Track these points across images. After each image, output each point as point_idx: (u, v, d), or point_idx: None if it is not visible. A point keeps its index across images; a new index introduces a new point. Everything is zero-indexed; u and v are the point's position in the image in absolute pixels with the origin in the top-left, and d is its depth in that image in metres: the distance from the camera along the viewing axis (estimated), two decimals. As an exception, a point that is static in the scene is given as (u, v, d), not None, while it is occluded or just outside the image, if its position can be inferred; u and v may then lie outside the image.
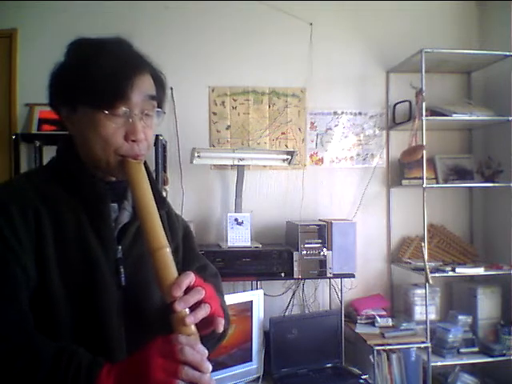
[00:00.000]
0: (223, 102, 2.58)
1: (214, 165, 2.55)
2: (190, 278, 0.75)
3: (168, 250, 0.77)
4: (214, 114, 2.58)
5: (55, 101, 0.87)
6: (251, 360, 2.20)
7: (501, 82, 2.50)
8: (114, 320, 0.81)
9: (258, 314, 2.21)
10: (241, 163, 2.38)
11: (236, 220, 2.32)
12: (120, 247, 0.85)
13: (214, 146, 2.56)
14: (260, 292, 2.24)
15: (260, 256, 2.22)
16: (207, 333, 0.80)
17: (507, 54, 2.40)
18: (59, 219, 0.80)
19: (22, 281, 0.75)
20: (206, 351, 0.72)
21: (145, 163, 0.88)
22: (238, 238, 2.30)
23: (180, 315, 0.72)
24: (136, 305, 0.84)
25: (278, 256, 2.23)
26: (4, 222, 0.75)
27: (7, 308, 0.73)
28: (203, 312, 0.75)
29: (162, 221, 0.84)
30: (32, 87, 2.40)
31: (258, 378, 2.21)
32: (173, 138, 2.51)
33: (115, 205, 0.88)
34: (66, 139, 0.89)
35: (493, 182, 2.47)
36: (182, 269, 0.89)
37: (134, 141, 0.82)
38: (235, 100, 2.59)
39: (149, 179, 0.85)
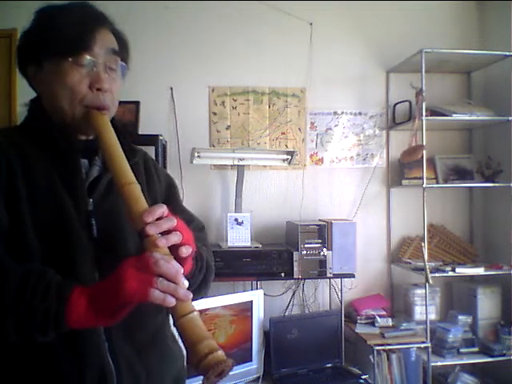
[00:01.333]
0: (223, 102, 2.58)
1: (214, 165, 2.55)
2: (163, 208, 0.75)
3: (137, 185, 0.78)
4: (214, 114, 2.58)
5: (22, 61, 0.89)
6: (251, 360, 2.20)
7: (501, 82, 2.50)
8: (87, 271, 0.81)
9: (258, 313, 2.21)
10: (241, 163, 2.38)
11: (236, 220, 2.32)
12: (91, 200, 0.86)
13: (214, 146, 2.56)
14: (260, 292, 2.24)
15: (260, 256, 2.22)
16: (184, 274, 0.80)
17: (507, 53, 2.40)
18: (30, 170, 0.81)
19: None
20: (182, 268, 0.71)
21: (114, 121, 0.90)
22: (238, 237, 2.30)
23: (152, 238, 0.72)
24: (110, 256, 0.83)
25: (277, 256, 2.23)
26: None
27: None
28: (175, 238, 0.74)
29: (137, 169, 0.87)
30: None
31: (258, 378, 2.21)
32: (173, 138, 2.51)
33: (85, 161, 0.89)
34: (35, 99, 0.91)
35: (493, 181, 2.47)
36: None
37: (98, 89, 0.84)
38: (235, 100, 2.59)
39: (117, 132, 0.86)
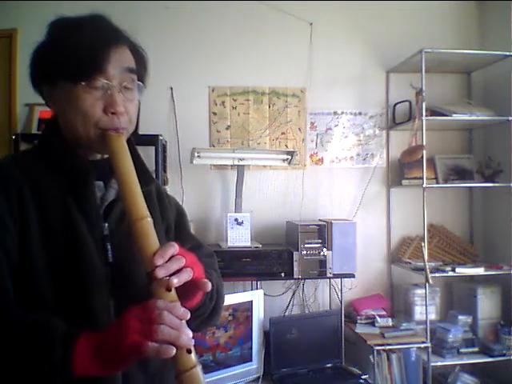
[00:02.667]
0: (223, 102, 2.58)
1: (214, 165, 2.55)
2: (174, 248, 0.74)
3: (149, 220, 0.76)
4: (214, 114, 2.58)
5: (36, 79, 0.86)
6: (251, 360, 2.20)
7: (501, 82, 2.50)
8: (102, 297, 0.80)
9: (258, 314, 2.21)
10: (241, 163, 2.38)
11: (236, 220, 2.32)
12: (106, 224, 0.85)
13: (214, 146, 2.56)
14: (260, 292, 2.24)
15: (260, 256, 2.22)
16: (194, 305, 0.80)
17: (507, 54, 2.40)
18: (43, 198, 0.80)
19: (3, 259, 0.74)
20: (187, 314, 0.70)
21: (129, 141, 0.88)
22: (238, 237, 2.30)
23: (161, 282, 0.70)
24: (125, 281, 0.82)
25: (277, 256, 2.23)
26: None
27: None
28: (186, 275, 0.73)
29: (149, 198, 0.83)
30: (32, 87, 2.41)
31: (258, 378, 2.21)
32: (173, 138, 2.51)
33: (101, 183, 0.88)
34: (50, 120, 0.89)
35: (493, 181, 2.47)
36: None
37: (113, 113, 0.81)
38: (235, 100, 2.59)
39: (134, 155, 0.84)
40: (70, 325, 0.71)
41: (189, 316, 0.70)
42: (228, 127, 2.59)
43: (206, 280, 0.77)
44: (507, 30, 2.48)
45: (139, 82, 0.88)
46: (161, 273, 0.70)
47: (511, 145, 2.39)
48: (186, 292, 0.75)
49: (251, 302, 2.20)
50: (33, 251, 0.76)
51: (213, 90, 2.58)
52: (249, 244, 2.29)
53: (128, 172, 0.79)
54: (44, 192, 0.81)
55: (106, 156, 0.87)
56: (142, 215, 0.76)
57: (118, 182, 0.80)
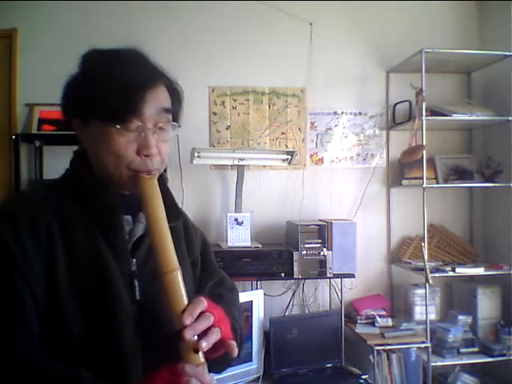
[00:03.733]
0: (223, 102, 2.58)
1: (214, 165, 2.55)
2: (203, 305, 0.74)
3: (178, 272, 0.75)
4: (214, 114, 2.58)
5: (68, 112, 0.85)
6: (251, 360, 2.20)
7: (501, 82, 2.50)
8: (129, 335, 0.78)
9: (258, 314, 2.21)
10: (241, 163, 2.38)
11: (236, 220, 2.31)
12: (134, 260, 0.83)
13: (214, 146, 2.56)
14: (260, 292, 2.24)
15: (260, 256, 2.22)
16: (218, 355, 0.79)
17: (507, 54, 2.40)
18: (70, 232, 0.78)
19: (29, 300, 0.72)
20: (215, 381, 0.70)
21: (161, 177, 0.87)
22: (238, 237, 2.30)
23: (189, 343, 0.70)
24: (152, 319, 0.81)
25: (277, 256, 2.23)
26: (12, 237, 0.72)
27: (12, 328, 0.70)
28: (214, 337, 0.73)
29: (177, 233, 0.82)
30: (32, 87, 2.41)
31: (258, 378, 2.21)
32: (173, 138, 2.50)
33: (129, 217, 0.86)
34: (79, 151, 0.88)
35: (493, 181, 2.47)
36: (199, 283, 0.87)
37: (146, 156, 0.80)
38: (235, 100, 2.59)
39: (164, 192, 0.82)
40: (97, 365, 0.70)
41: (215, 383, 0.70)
42: (228, 127, 2.59)
43: (233, 344, 0.77)
44: (507, 30, 2.48)
45: (174, 123, 0.87)
46: (189, 334, 0.70)
47: (511, 145, 2.39)
48: (212, 346, 0.74)
49: (251, 302, 2.20)
50: (61, 288, 0.74)
51: (213, 90, 2.57)
52: (249, 244, 2.29)
53: (159, 220, 0.78)
54: (72, 227, 0.79)
55: (134, 192, 0.86)
56: (172, 268, 0.74)
57: (148, 227, 0.79)
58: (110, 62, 0.80)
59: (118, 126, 0.77)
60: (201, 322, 0.72)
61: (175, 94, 0.88)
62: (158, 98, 0.81)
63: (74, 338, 0.74)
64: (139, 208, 0.85)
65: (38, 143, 2.36)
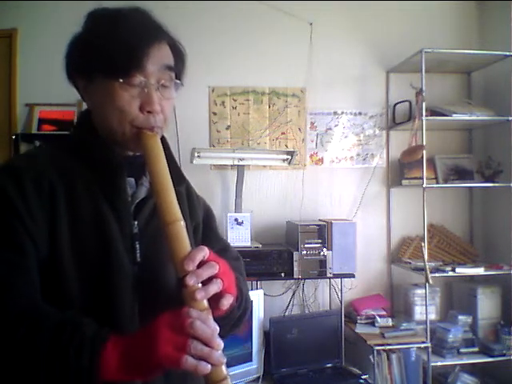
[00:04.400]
0: (223, 102, 2.58)
1: (214, 165, 2.55)
2: (204, 252, 0.73)
3: (182, 223, 0.75)
4: (214, 114, 2.58)
5: (72, 72, 0.85)
6: (251, 360, 2.20)
7: (501, 82, 2.50)
8: (128, 297, 0.78)
9: (258, 313, 2.21)
10: (241, 163, 2.38)
11: (236, 220, 2.31)
12: (136, 222, 0.83)
13: (214, 146, 2.56)
14: (260, 292, 2.24)
15: (260, 256, 2.22)
16: (223, 313, 0.78)
17: (507, 54, 2.40)
18: (74, 192, 0.78)
19: (31, 252, 0.73)
20: (218, 327, 0.69)
21: (163, 138, 0.87)
22: (238, 237, 2.30)
23: (191, 289, 0.70)
24: (151, 281, 0.81)
25: (278, 256, 2.23)
26: (16, 191, 0.73)
27: (15, 276, 0.71)
28: (215, 287, 0.72)
29: (180, 197, 0.81)
30: (32, 87, 2.41)
31: (258, 378, 2.21)
32: (173, 138, 2.51)
33: (132, 179, 0.86)
34: (84, 113, 0.88)
35: (493, 182, 2.47)
36: None
37: (149, 112, 0.80)
38: (235, 100, 2.59)
39: (166, 154, 0.83)
40: (97, 323, 0.70)
41: (218, 330, 0.69)
42: (228, 127, 2.59)
43: (229, 296, 0.76)
44: (507, 30, 2.48)
45: (177, 80, 0.86)
46: (191, 280, 0.70)
47: (511, 145, 2.39)
48: (216, 300, 0.74)
49: (251, 302, 2.19)
50: (62, 246, 0.75)
51: (213, 90, 2.57)
52: (249, 244, 2.29)
53: (162, 173, 0.78)
54: (75, 187, 0.79)
55: (137, 153, 0.87)
56: (176, 218, 0.74)
57: (152, 183, 0.79)
58: (114, 19, 0.81)
59: (121, 80, 0.78)
60: (205, 269, 0.71)
61: (178, 54, 0.89)
62: (161, 55, 0.82)
63: (72, 295, 0.75)
64: (143, 171, 0.86)
65: (37, 143, 2.35)
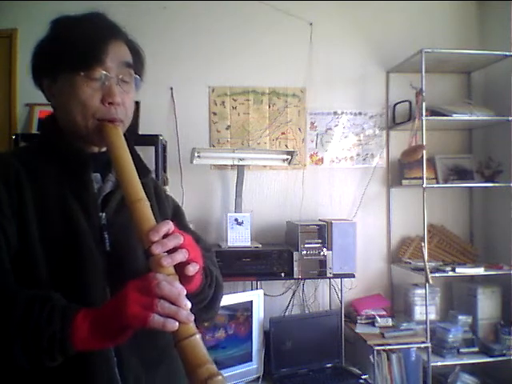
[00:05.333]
0: (223, 102, 2.58)
1: (214, 165, 2.55)
2: (169, 225, 0.75)
3: (146, 202, 0.78)
4: (214, 114, 2.58)
5: (37, 74, 0.90)
6: (251, 360, 2.20)
7: (501, 82, 2.50)
8: (99, 285, 0.81)
9: (258, 314, 2.21)
10: (241, 163, 2.38)
11: (236, 220, 2.31)
12: (104, 214, 0.86)
13: (214, 146, 2.56)
14: (260, 292, 2.24)
15: (260, 256, 2.22)
16: (193, 289, 0.81)
17: (507, 54, 2.40)
18: (41, 188, 0.82)
19: (2, 242, 0.75)
20: (185, 290, 0.71)
21: (126, 135, 0.90)
22: (238, 237, 2.30)
23: (157, 258, 0.72)
24: (121, 271, 0.83)
25: (277, 256, 2.23)
26: None
27: None
28: (181, 255, 0.74)
29: (147, 190, 0.86)
30: (32, 87, 2.40)
31: (258, 378, 2.21)
32: (173, 138, 2.51)
33: (98, 175, 0.90)
34: (48, 116, 0.93)
35: (493, 182, 2.47)
36: None
37: (110, 103, 0.84)
38: (235, 100, 2.59)
39: (130, 149, 0.86)
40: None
41: (185, 292, 0.71)
42: (228, 127, 2.59)
43: (195, 264, 0.77)
44: (507, 30, 2.48)
45: (136, 76, 0.91)
46: (157, 249, 0.72)
47: (511, 145, 2.39)
48: (184, 276, 0.76)
49: (251, 302, 2.20)
50: (31, 239, 0.78)
51: (213, 90, 2.57)
52: (249, 244, 2.29)
53: (125, 158, 0.82)
54: (42, 182, 0.83)
55: (103, 150, 0.90)
56: (140, 197, 0.78)
57: (116, 169, 0.83)
58: (74, 22, 0.87)
59: (82, 74, 0.82)
60: (170, 239, 0.74)
61: (136, 52, 0.92)
62: (120, 52, 0.87)
63: (42, 285, 0.77)
64: (108, 168, 0.90)
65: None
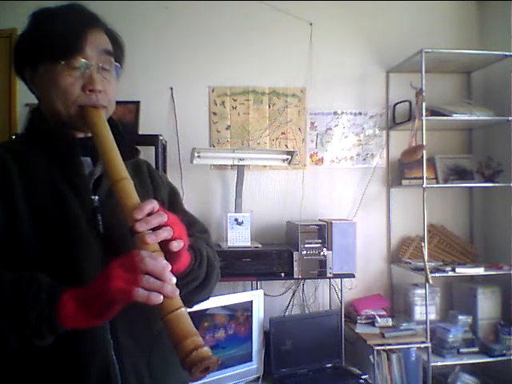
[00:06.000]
0: (223, 102, 2.58)
1: (214, 165, 2.55)
2: (153, 203, 0.76)
3: (130, 181, 0.79)
4: (214, 114, 2.58)
5: (18, 65, 0.91)
6: (251, 360, 2.20)
7: (501, 81, 2.50)
8: (93, 268, 0.80)
9: (258, 313, 2.21)
10: (241, 163, 2.38)
11: (236, 220, 2.31)
12: (96, 197, 0.86)
13: (214, 146, 2.56)
14: (260, 292, 2.24)
15: (260, 256, 2.22)
16: (181, 270, 0.82)
17: (507, 54, 2.40)
18: (30, 174, 0.82)
19: None
20: (169, 265, 0.71)
21: (112, 120, 0.91)
22: (238, 237, 2.30)
23: (141, 235, 0.72)
24: (116, 252, 0.82)
25: (277, 256, 2.23)
26: None
27: None
28: (165, 233, 0.74)
29: (139, 171, 0.89)
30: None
31: (258, 378, 2.21)
32: (173, 138, 2.51)
33: (88, 159, 0.90)
34: (33, 108, 0.93)
35: (493, 182, 2.47)
36: None
37: (91, 90, 0.85)
38: (235, 100, 2.59)
39: (116, 132, 0.87)
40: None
41: (170, 267, 0.71)
42: (228, 127, 2.59)
43: (180, 240, 0.78)
44: (507, 30, 2.48)
45: (117, 63, 0.91)
46: (141, 226, 0.72)
47: (511, 145, 2.39)
48: (170, 253, 0.76)
49: (251, 302, 2.20)
50: (20, 224, 0.78)
51: (213, 90, 2.57)
52: (249, 244, 2.29)
53: (107, 139, 0.83)
54: (31, 169, 0.83)
55: (89, 135, 0.90)
56: (122, 176, 0.79)
57: (99, 151, 0.83)
58: (53, 13, 0.88)
59: (62, 63, 0.83)
60: (154, 217, 0.74)
61: (116, 42, 0.93)
62: (99, 40, 0.88)
63: (33, 269, 0.77)
64: (97, 151, 0.90)
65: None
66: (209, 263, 0.95)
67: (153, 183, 1.01)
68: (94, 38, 0.86)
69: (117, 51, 0.92)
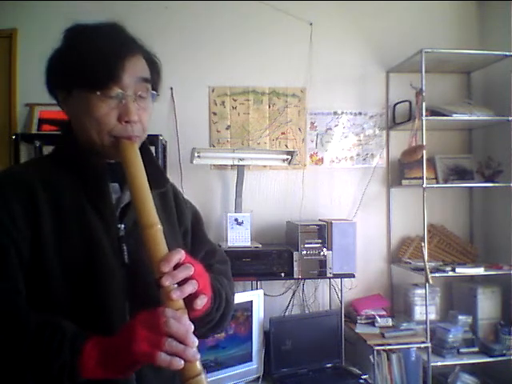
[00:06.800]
0: (223, 102, 2.58)
1: (214, 165, 2.55)
2: (180, 254, 0.75)
3: (159, 227, 0.77)
4: (214, 114, 2.58)
5: (52, 85, 0.88)
6: (251, 360, 2.20)
7: (501, 81, 2.50)
8: (118, 298, 0.80)
9: (258, 314, 2.21)
10: (241, 163, 2.38)
11: (236, 220, 2.31)
12: (123, 225, 0.85)
13: (214, 146, 2.56)
14: (260, 292, 2.24)
15: (260, 256, 2.22)
16: (199, 314, 0.81)
17: (507, 54, 2.40)
18: (58, 200, 0.81)
19: (14, 256, 0.75)
20: (192, 326, 0.71)
21: (144, 145, 0.90)
22: (238, 237, 2.30)
23: (167, 290, 0.72)
24: (140, 282, 0.83)
25: (277, 256, 2.23)
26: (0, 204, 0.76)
27: None
28: (190, 287, 0.74)
29: (166, 201, 0.87)
30: (32, 87, 2.40)
31: (258, 378, 2.21)
32: (173, 138, 2.51)
33: (116, 185, 0.88)
34: (65, 125, 0.90)
35: (493, 182, 2.47)
36: (190, 253, 0.89)
37: (127, 122, 0.82)
38: (235, 100, 2.59)
39: (148, 159, 0.86)
40: (84, 327, 0.72)
41: (193, 328, 0.71)
42: (228, 127, 2.59)
43: (203, 296, 0.78)
44: (507, 30, 2.48)
45: (153, 92, 0.88)
46: (167, 281, 0.72)
47: (511, 145, 2.39)
48: (192, 301, 0.76)
49: (251, 302, 2.20)
50: (47, 253, 0.77)
51: (213, 90, 2.57)
52: (249, 244, 2.29)
53: (140, 180, 0.80)
54: (59, 194, 0.81)
55: (118, 160, 0.88)
56: (152, 222, 0.77)
57: (130, 190, 0.81)
58: (91, 33, 0.84)
59: (98, 93, 0.80)
60: (180, 271, 0.74)
61: (154, 66, 0.90)
62: (137, 67, 0.84)
63: (60, 302, 0.77)
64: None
65: (38, 143, 2.35)
66: (226, 305, 0.94)
67: (177, 209, 1.00)
68: (132, 66, 0.82)
69: (154, 76, 0.89)
